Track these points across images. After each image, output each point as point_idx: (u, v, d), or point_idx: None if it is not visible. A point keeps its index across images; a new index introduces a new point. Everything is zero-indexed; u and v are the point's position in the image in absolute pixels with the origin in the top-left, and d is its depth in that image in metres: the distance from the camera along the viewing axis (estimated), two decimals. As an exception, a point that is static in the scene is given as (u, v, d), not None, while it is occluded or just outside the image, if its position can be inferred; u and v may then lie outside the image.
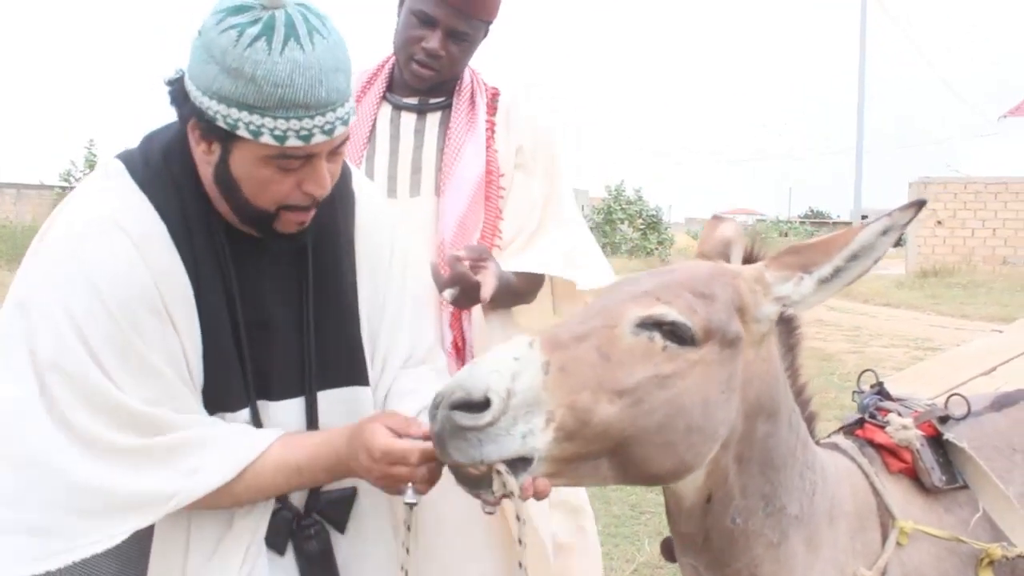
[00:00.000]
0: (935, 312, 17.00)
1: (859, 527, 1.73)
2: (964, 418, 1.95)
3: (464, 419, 1.30)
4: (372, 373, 1.82)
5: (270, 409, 1.71)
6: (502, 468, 1.31)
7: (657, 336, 1.40)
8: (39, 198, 26.06)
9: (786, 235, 59.63)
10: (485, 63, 2.52)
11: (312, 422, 1.75)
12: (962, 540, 1.77)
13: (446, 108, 2.43)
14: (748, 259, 1.63)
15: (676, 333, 1.40)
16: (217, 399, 1.65)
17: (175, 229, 1.58)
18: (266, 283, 1.70)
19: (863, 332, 13.90)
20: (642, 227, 34.94)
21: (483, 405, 1.30)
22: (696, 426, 1.41)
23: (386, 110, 2.43)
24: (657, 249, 33.95)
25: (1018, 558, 1.79)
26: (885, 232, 1.47)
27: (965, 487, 1.86)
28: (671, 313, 1.40)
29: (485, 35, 2.41)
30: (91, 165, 25.89)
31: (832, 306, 18.49)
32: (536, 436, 1.32)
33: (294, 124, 1.47)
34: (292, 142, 1.48)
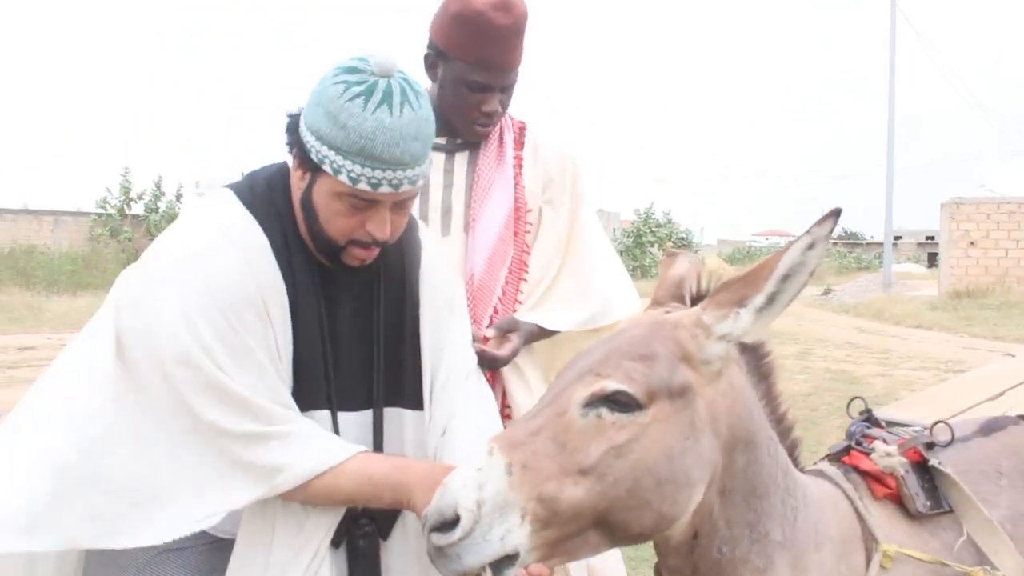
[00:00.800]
0: (968, 334, 16.82)
1: (844, 551, 1.77)
2: (949, 444, 1.99)
3: (439, 540, 1.39)
4: (427, 400, 1.98)
5: (339, 418, 1.88)
6: (488, 571, 1.40)
7: (604, 410, 1.45)
8: (75, 225, 26.49)
9: (819, 256, 59.23)
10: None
11: (378, 434, 1.92)
12: (945, 563, 1.81)
13: (474, 146, 2.51)
14: (697, 297, 1.67)
15: (620, 403, 1.45)
16: (301, 403, 1.80)
17: (277, 247, 1.78)
18: (345, 306, 1.88)
19: (893, 355, 13.78)
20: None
21: (455, 522, 1.38)
22: (665, 479, 1.46)
23: None
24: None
25: (1000, 581, 1.83)
26: (810, 247, 1.49)
27: (950, 512, 1.91)
28: (611, 385, 1.45)
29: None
30: (126, 192, 26.28)
31: (863, 328, 18.41)
32: (515, 533, 1.39)
33: (367, 172, 1.69)
34: (362, 186, 1.70)
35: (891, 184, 27.33)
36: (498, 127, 2.54)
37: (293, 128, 1.78)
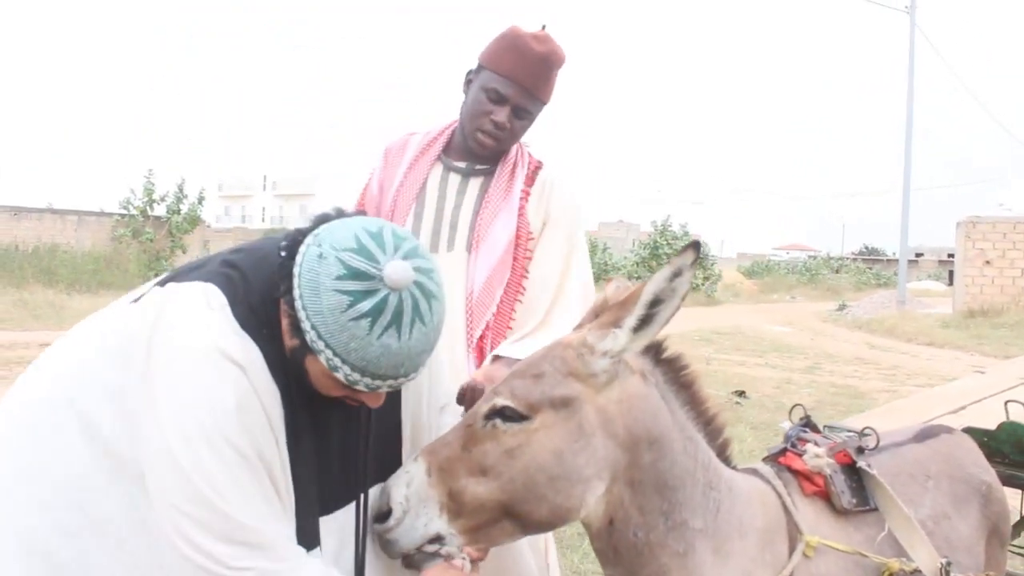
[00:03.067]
0: (978, 352, 16.85)
1: (768, 540, 1.95)
2: (876, 449, 2.17)
3: (380, 528, 1.78)
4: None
5: (321, 522, 1.84)
6: (427, 548, 1.75)
7: (499, 421, 1.73)
8: (98, 225, 26.91)
9: (838, 271, 59.16)
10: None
11: (362, 518, 1.87)
12: (864, 555, 1.99)
13: (488, 175, 2.68)
14: (598, 312, 1.87)
15: (508, 415, 1.73)
16: (300, 516, 1.76)
17: (271, 361, 1.67)
18: (333, 413, 1.82)
19: (900, 371, 13.87)
20: (688, 262, 34.99)
21: (388, 514, 1.75)
22: (557, 475, 1.71)
23: (437, 170, 2.71)
24: (703, 284, 33.94)
25: (915, 572, 2.00)
26: (674, 276, 1.68)
27: (875, 509, 2.09)
28: (500, 401, 1.73)
29: (539, 113, 2.70)
30: (149, 194, 26.57)
31: (874, 344, 18.47)
32: (435, 522, 1.73)
33: (367, 380, 1.62)
34: (360, 387, 1.64)
35: (907, 201, 27.33)
36: (512, 162, 2.69)
37: (288, 276, 1.63)
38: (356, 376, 1.61)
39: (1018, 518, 3.50)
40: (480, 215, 2.63)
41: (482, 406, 1.75)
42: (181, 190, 27.33)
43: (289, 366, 1.70)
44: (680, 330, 19.55)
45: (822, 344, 18.23)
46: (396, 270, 1.57)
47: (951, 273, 26.69)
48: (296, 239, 1.66)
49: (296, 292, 1.60)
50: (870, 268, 64.97)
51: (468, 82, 2.66)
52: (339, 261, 1.57)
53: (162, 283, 1.82)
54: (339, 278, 1.56)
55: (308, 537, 1.76)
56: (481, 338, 2.61)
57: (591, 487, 1.75)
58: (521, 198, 2.67)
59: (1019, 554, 3.75)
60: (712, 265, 35.75)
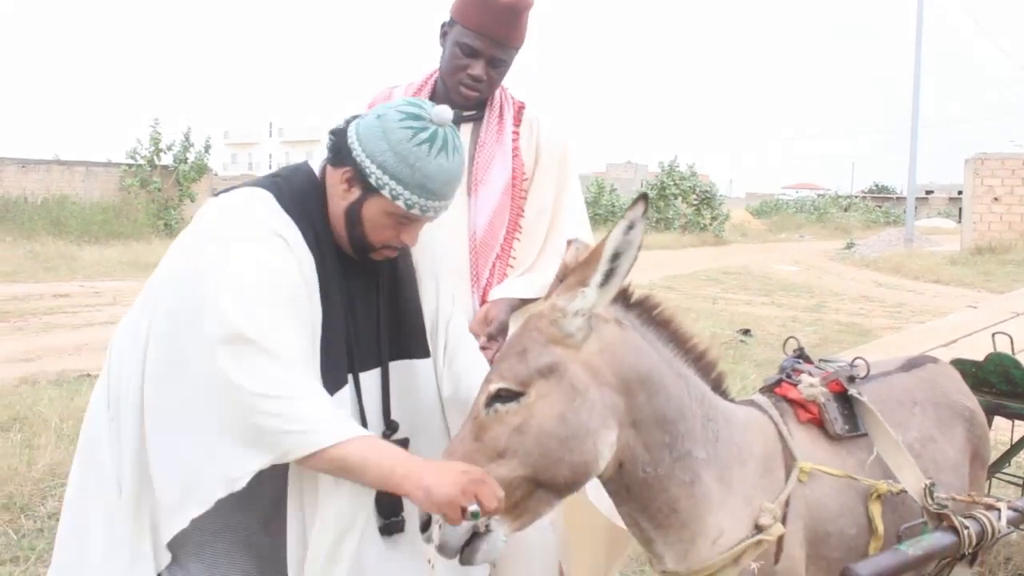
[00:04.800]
0: (985, 289, 16.88)
1: (767, 467, 2.08)
2: (866, 378, 2.30)
3: (426, 539, 1.86)
4: (435, 348, 2.33)
5: (361, 379, 2.15)
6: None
7: (498, 405, 1.82)
8: (106, 175, 26.90)
9: (847, 210, 59.00)
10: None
11: (386, 385, 2.20)
12: (854, 477, 2.13)
13: (477, 120, 2.76)
14: (563, 277, 1.96)
15: (504, 396, 1.82)
16: (327, 368, 2.04)
17: (309, 239, 2.05)
18: (358, 283, 2.18)
19: (906, 309, 13.98)
20: (695, 203, 34.95)
21: (428, 521, 1.85)
22: (566, 436, 1.79)
23: None
24: (711, 224, 33.97)
25: (901, 492, 2.14)
26: (630, 229, 1.79)
27: (865, 435, 2.22)
28: (494, 386, 1.83)
29: (514, 58, 2.77)
30: (156, 143, 26.56)
31: (880, 282, 18.57)
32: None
33: (421, 201, 2.03)
34: (414, 211, 2.03)
35: (915, 138, 27.21)
36: (498, 105, 2.78)
37: (343, 151, 2.05)
38: (414, 198, 2.01)
39: (1009, 447, 3.65)
40: (476, 159, 2.73)
41: (480, 397, 1.86)
42: (188, 139, 27.30)
43: (324, 244, 2.07)
44: (688, 270, 19.67)
45: (828, 283, 18.33)
46: (438, 111, 2.03)
47: (961, 211, 26.61)
48: (337, 132, 2.08)
49: (358, 148, 2.02)
50: (879, 206, 64.69)
51: (443, 35, 2.72)
52: (397, 111, 2.02)
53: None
54: (401, 120, 2.01)
55: (332, 385, 2.05)
56: (488, 279, 2.72)
57: (601, 437, 1.84)
58: (513, 139, 2.77)
59: (1011, 482, 3.91)
60: (720, 205, 35.71)
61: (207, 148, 27.75)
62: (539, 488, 1.82)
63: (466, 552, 1.81)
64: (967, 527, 2.13)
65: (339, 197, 2.08)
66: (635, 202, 1.80)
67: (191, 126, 27.89)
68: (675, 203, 35.00)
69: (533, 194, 2.80)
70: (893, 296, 15.86)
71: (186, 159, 27.13)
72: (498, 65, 2.68)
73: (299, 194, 2.10)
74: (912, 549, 2.06)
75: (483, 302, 2.70)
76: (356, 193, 2.05)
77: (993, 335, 3.13)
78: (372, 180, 2.01)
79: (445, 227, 2.56)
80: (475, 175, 2.72)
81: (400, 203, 2.02)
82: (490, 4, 2.57)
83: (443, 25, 2.72)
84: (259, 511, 2.11)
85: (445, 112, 2.04)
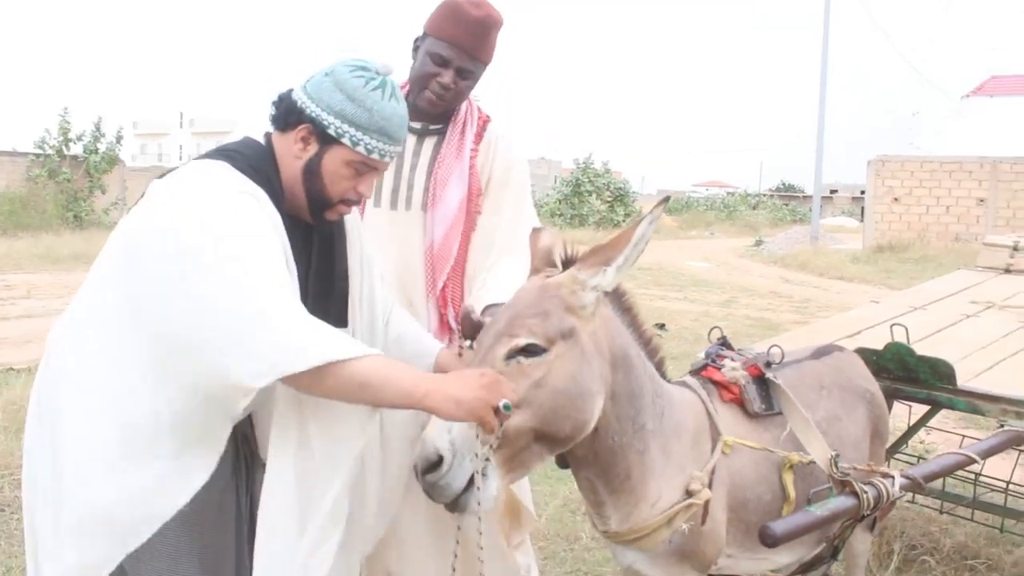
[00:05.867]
0: (885, 286, 17.55)
1: (696, 441, 2.35)
2: (782, 363, 2.59)
3: (433, 478, 1.89)
4: (353, 319, 2.37)
5: None
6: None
7: (521, 358, 1.98)
8: (12, 165, 26.07)
9: (755, 208, 60.27)
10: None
11: None
12: (770, 450, 2.42)
13: (441, 134, 2.89)
14: (565, 261, 2.16)
15: (530, 351, 1.98)
16: None
17: (272, 202, 2.10)
18: (303, 250, 2.21)
19: (812, 304, 14.54)
20: (610, 200, 35.50)
21: (439, 462, 1.88)
22: (576, 394, 2.00)
23: None
24: (624, 221, 34.49)
25: (811, 463, 2.44)
26: (651, 223, 2.02)
27: (780, 413, 2.52)
28: (521, 341, 1.98)
29: (482, 73, 2.88)
30: (65, 133, 25.94)
31: (787, 279, 19.21)
32: (483, 454, 1.90)
33: (380, 146, 2.14)
34: (374, 155, 2.15)
35: (821, 139, 28.13)
36: (461, 121, 2.91)
37: (293, 111, 2.15)
38: (374, 143, 2.13)
39: (906, 430, 4.02)
40: (434, 175, 2.85)
41: (498, 350, 1.99)
42: (98, 128, 26.68)
43: (283, 205, 2.13)
44: (637, 260, 19.83)
45: (738, 279, 18.91)
46: (383, 63, 2.18)
47: (863, 210, 27.61)
48: (282, 98, 2.19)
49: (311, 105, 2.12)
50: (786, 204, 66.28)
51: (415, 48, 2.86)
52: (345, 65, 2.15)
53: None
54: (352, 71, 2.13)
55: None
56: (444, 287, 2.88)
57: (596, 402, 2.07)
58: (471, 156, 2.89)
59: (907, 462, 4.28)
60: (633, 202, 36.30)
61: (119, 139, 27.10)
62: (537, 441, 2.00)
63: (461, 499, 1.91)
64: (866, 492, 2.44)
65: (293, 157, 2.16)
66: (658, 203, 2.05)
67: (101, 116, 27.28)
68: (589, 200, 35.47)
69: (487, 209, 2.93)
70: (800, 292, 16.44)
71: (97, 149, 26.51)
72: (466, 76, 2.81)
73: (254, 160, 2.16)
74: (819, 510, 2.36)
75: (440, 306, 2.87)
76: (313, 148, 2.15)
77: (891, 326, 3.47)
78: (332, 131, 2.11)
79: (406, 238, 2.77)
80: (432, 190, 2.85)
81: (361, 149, 2.12)
82: (462, 16, 2.72)
83: (416, 40, 2.86)
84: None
85: (390, 64, 2.19)
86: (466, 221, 2.89)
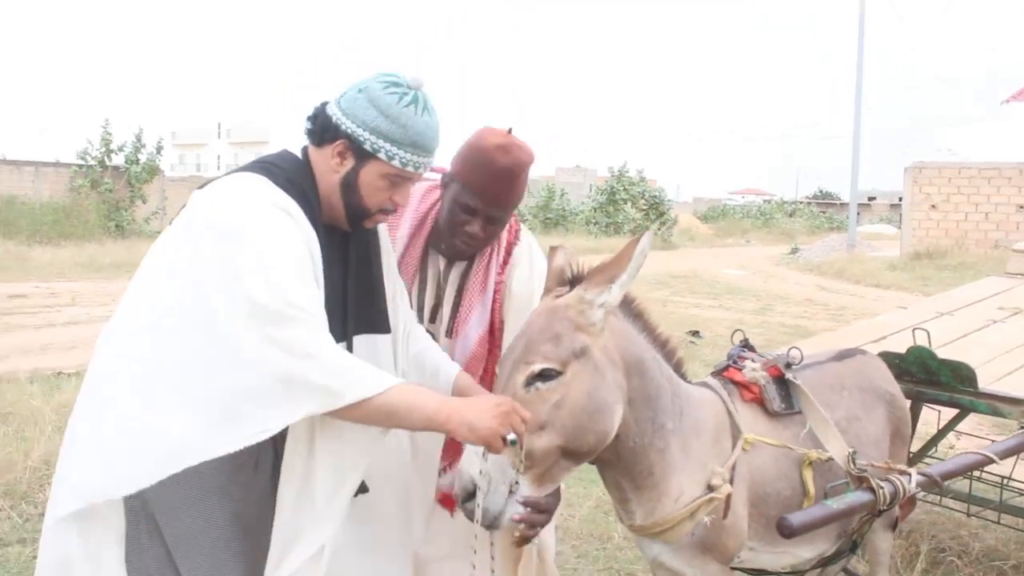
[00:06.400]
0: (922, 293, 17.39)
1: (717, 438, 2.45)
2: (801, 364, 2.68)
3: (472, 506, 2.08)
4: (395, 326, 2.48)
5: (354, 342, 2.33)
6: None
7: (538, 383, 2.09)
8: (56, 176, 26.65)
9: (792, 215, 60.04)
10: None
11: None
12: (790, 447, 2.50)
13: (469, 262, 2.82)
14: (573, 280, 2.25)
15: (546, 375, 2.09)
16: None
17: (308, 216, 2.18)
18: (331, 256, 2.27)
19: (848, 312, 14.51)
20: (644, 208, 35.49)
21: (475, 491, 2.06)
22: (593, 409, 2.11)
23: (433, 254, 2.84)
24: (660, 229, 34.52)
25: (829, 460, 2.52)
26: (650, 239, 2.15)
27: (799, 412, 2.60)
28: (537, 367, 2.09)
29: (511, 213, 2.80)
30: (107, 144, 26.45)
31: (823, 286, 19.16)
32: (512, 478, 2.06)
33: (414, 158, 2.23)
34: (409, 168, 2.23)
35: (858, 146, 27.98)
36: (488, 253, 2.81)
37: (329, 128, 2.23)
38: (408, 156, 2.22)
39: (936, 432, 4.06)
40: (461, 306, 2.82)
41: (517, 377, 2.11)
42: (139, 139, 27.18)
43: (316, 221, 2.19)
44: (638, 274, 19.94)
45: (774, 287, 18.89)
46: (414, 78, 2.25)
47: (901, 217, 27.40)
48: (317, 114, 2.27)
49: (347, 121, 2.21)
50: (823, 212, 65.96)
51: (444, 185, 2.75)
52: (377, 82, 2.23)
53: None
54: (384, 89, 2.21)
55: None
56: None
57: (615, 411, 2.17)
58: (496, 284, 2.82)
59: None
60: (668, 210, 36.27)
61: (159, 149, 27.64)
62: (564, 457, 2.13)
63: (499, 521, 2.08)
64: (882, 487, 2.52)
65: (331, 172, 2.25)
66: (656, 221, 2.15)
67: (142, 127, 27.78)
68: (625, 208, 35.50)
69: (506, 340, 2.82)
70: (836, 300, 16.42)
71: (137, 160, 26.99)
72: (495, 222, 2.71)
73: (292, 174, 2.23)
74: (836, 504, 2.44)
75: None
76: (350, 163, 2.23)
77: (913, 330, 3.53)
78: (367, 146, 2.19)
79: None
80: (457, 321, 2.82)
81: (396, 162, 2.20)
82: (489, 165, 2.59)
83: (443, 177, 2.76)
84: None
85: (420, 77, 2.26)
86: (490, 350, 2.84)
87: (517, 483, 2.06)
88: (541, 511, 2.17)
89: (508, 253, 2.85)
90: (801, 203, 73.55)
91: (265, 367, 1.95)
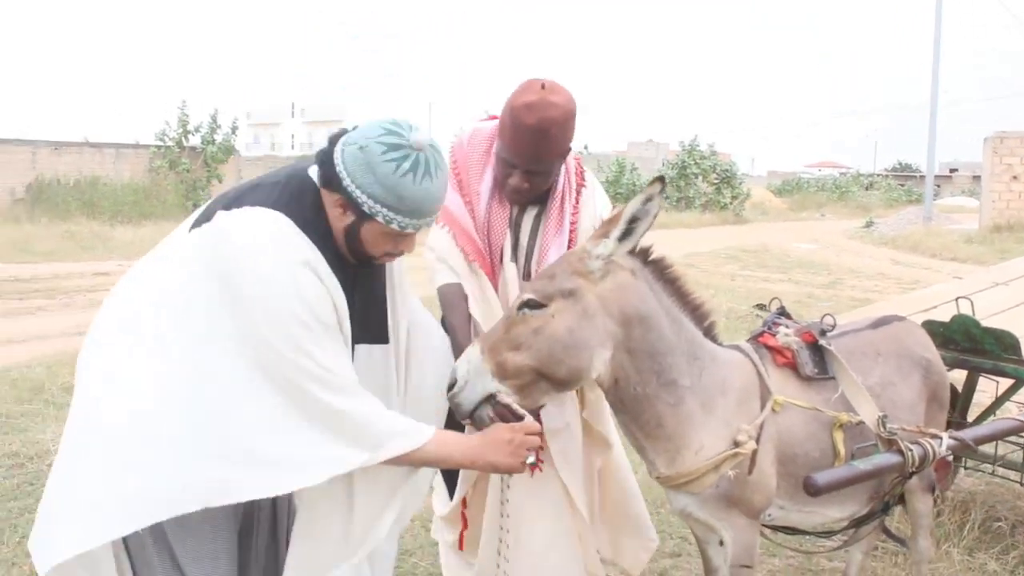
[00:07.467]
0: (999, 267, 17.12)
1: (745, 398, 2.53)
2: (833, 331, 2.74)
3: (449, 395, 2.38)
4: (396, 338, 2.56)
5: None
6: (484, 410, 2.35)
7: (526, 310, 2.33)
8: (135, 157, 27.43)
9: (869, 188, 58.79)
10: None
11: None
12: (820, 410, 2.57)
13: (542, 206, 2.92)
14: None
15: (532, 304, 2.32)
16: None
17: (327, 259, 2.22)
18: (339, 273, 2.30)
19: (919, 285, 14.16)
20: (716, 182, 35.15)
21: (455, 384, 2.35)
22: (570, 345, 2.30)
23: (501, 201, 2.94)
24: (731, 203, 34.15)
25: (860, 423, 2.58)
26: (647, 201, 2.29)
27: (832, 378, 2.66)
28: (526, 296, 2.34)
29: (559, 164, 2.86)
30: (183, 125, 27.12)
31: (897, 260, 18.85)
32: (489, 384, 2.31)
33: (413, 221, 2.20)
34: (408, 230, 2.23)
35: (934, 117, 27.34)
36: (560, 193, 2.92)
37: (333, 178, 2.19)
38: (407, 220, 2.20)
39: (992, 401, 4.05)
40: (537, 247, 2.93)
41: (516, 302, 2.36)
42: (215, 120, 27.81)
43: (329, 253, 2.23)
44: (708, 248, 19.96)
45: (846, 260, 18.63)
46: (417, 137, 2.17)
47: (982, 188, 26.68)
48: (323, 157, 2.22)
49: (347, 180, 2.17)
50: (902, 185, 64.39)
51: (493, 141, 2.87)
52: (378, 143, 2.15)
53: (208, 215, 2.26)
54: (383, 153, 2.14)
55: None
56: None
57: (596, 353, 2.34)
58: (570, 230, 2.92)
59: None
60: (740, 184, 35.82)
61: (234, 129, 28.27)
62: (541, 379, 2.32)
63: (477, 416, 2.34)
64: (911, 450, 2.57)
65: (336, 218, 2.25)
66: (653, 181, 2.28)
67: (217, 108, 28.39)
68: (696, 182, 35.20)
69: None
70: (909, 274, 16.14)
71: (213, 140, 27.63)
72: (537, 175, 2.78)
73: (310, 212, 2.24)
74: (863, 464, 2.50)
75: None
76: (351, 217, 2.21)
77: (957, 299, 3.54)
78: (365, 208, 2.17)
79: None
80: (535, 262, 2.91)
81: (395, 226, 2.19)
82: (519, 124, 2.65)
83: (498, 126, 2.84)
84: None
85: (423, 136, 2.18)
86: None
87: (494, 392, 2.31)
88: (516, 417, 2.33)
89: (579, 194, 2.97)
90: (879, 176, 71.93)
91: (313, 426, 2.13)
